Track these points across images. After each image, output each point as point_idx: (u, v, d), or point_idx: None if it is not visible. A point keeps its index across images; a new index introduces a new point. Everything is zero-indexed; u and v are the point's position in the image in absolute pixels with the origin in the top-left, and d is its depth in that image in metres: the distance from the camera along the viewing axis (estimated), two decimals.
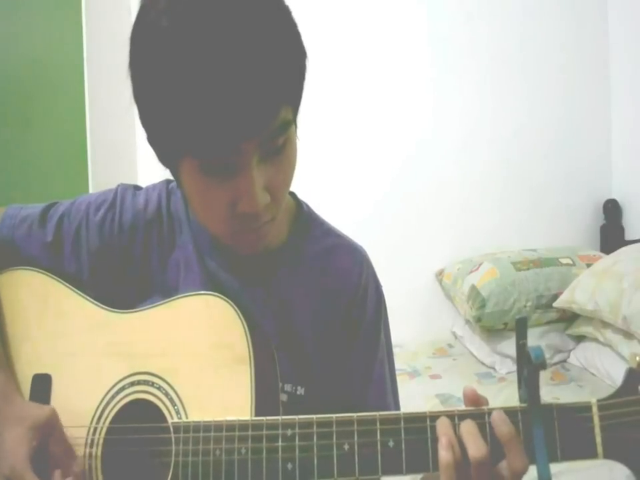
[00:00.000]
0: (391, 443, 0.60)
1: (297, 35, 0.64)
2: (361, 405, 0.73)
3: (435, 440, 0.58)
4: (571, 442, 0.57)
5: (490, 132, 2.58)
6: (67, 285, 0.79)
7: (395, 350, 0.90)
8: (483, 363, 2.21)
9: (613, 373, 1.91)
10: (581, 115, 2.63)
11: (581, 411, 0.58)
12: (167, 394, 0.69)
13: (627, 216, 2.58)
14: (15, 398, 0.71)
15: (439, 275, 2.56)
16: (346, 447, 0.60)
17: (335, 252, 0.82)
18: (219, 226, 0.70)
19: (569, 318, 2.21)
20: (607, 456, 0.56)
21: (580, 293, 2.04)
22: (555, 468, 0.56)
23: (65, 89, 2.08)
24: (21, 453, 0.64)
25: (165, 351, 0.71)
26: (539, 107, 2.59)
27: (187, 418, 0.66)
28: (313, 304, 0.80)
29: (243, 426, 0.63)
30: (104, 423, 0.71)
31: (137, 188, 0.84)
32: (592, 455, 0.57)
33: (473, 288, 2.23)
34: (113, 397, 0.72)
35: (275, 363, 0.71)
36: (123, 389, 0.71)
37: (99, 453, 0.70)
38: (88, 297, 0.78)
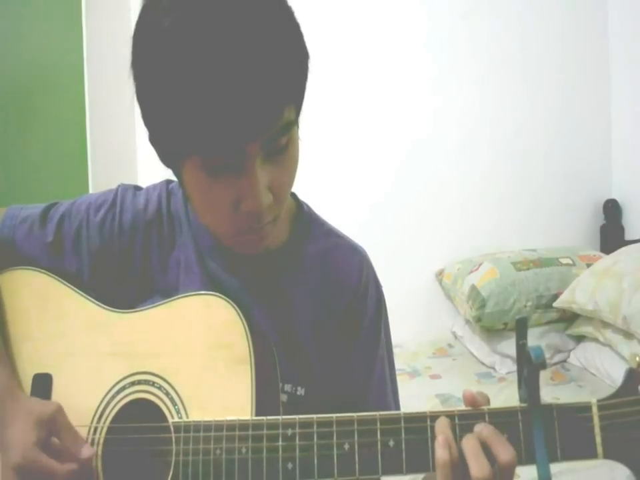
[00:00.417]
0: (391, 443, 0.60)
1: (300, 35, 0.64)
2: (361, 405, 0.73)
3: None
4: (571, 442, 0.57)
5: (490, 132, 2.58)
6: (68, 284, 0.79)
7: (395, 350, 0.90)
8: (483, 363, 2.21)
9: (613, 373, 1.91)
10: (581, 115, 2.63)
11: (580, 410, 0.58)
12: (167, 393, 0.69)
13: (626, 216, 2.58)
14: (19, 394, 0.71)
15: (439, 275, 2.56)
16: (346, 446, 0.60)
17: (335, 252, 0.83)
18: (221, 226, 0.70)
19: (569, 318, 2.21)
20: (606, 456, 0.56)
21: (580, 293, 2.04)
22: (555, 468, 0.56)
23: (65, 88, 2.08)
24: (30, 441, 0.64)
25: (165, 350, 0.71)
26: (538, 106, 2.59)
27: (187, 417, 0.67)
28: (313, 304, 0.80)
29: (244, 425, 0.63)
30: (104, 422, 0.71)
31: (137, 188, 0.84)
32: (592, 455, 0.57)
33: (473, 288, 2.23)
34: (113, 397, 0.72)
35: (275, 363, 0.71)
36: (123, 388, 0.71)
37: (100, 453, 0.70)
38: (89, 297, 0.78)
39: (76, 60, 2.04)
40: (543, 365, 0.55)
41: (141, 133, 0.67)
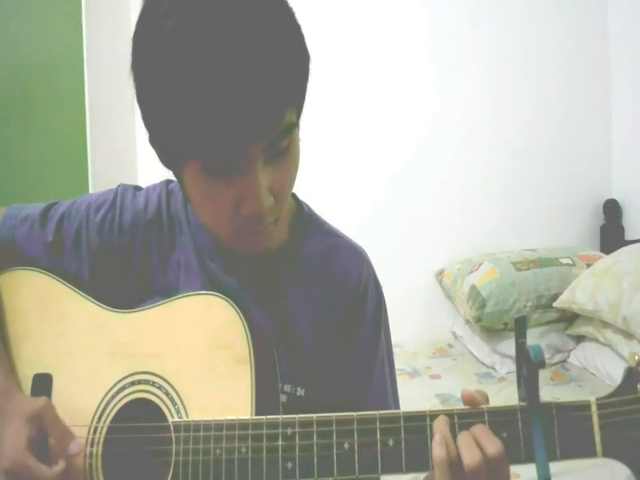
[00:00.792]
0: (390, 442, 0.60)
1: (301, 37, 0.64)
2: (360, 405, 0.73)
3: None
4: (570, 441, 0.57)
5: (490, 132, 2.58)
6: (68, 284, 0.79)
7: (395, 350, 0.90)
8: (483, 363, 2.21)
9: (612, 372, 1.91)
10: (581, 115, 2.63)
11: (580, 409, 0.58)
12: (167, 393, 0.69)
13: (626, 216, 2.58)
14: (13, 393, 0.71)
15: (439, 275, 2.56)
16: (346, 445, 0.60)
17: (335, 252, 0.83)
18: (222, 227, 0.70)
19: (569, 318, 2.21)
20: (605, 454, 0.57)
21: (580, 293, 2.05)
22: (555, 468, 0.56)
23: (65, 89, 2.08)
24: (20, 444, 0.64)
25: (165, 350, 0.71)
26: (539, 107, 2.59)
27: (187, 417, 0.67)
28: (313, 304, 0.80)
29: (243, 425, 0.63)
30: (105, 422, 0.71)
31: (137, 188, 0.84)
32: (591, 453, 0.57)
33: (473, 288, 2.23)
34: (113, 397, 0.72)
35: (275, 363, 0.71)
36: (123, 388, 0.72)
37: (100, 452, 0.70)
38: (89, 297, 0.78)
39: (76, 60, 2.04)
40: (542, 364, 0.55)
41: (141, 133, 0.68)
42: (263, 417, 0.63)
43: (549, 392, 1.84)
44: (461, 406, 0.61)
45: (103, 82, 2.08)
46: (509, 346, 2.17)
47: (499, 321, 2.19)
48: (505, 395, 1.88)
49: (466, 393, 0.61)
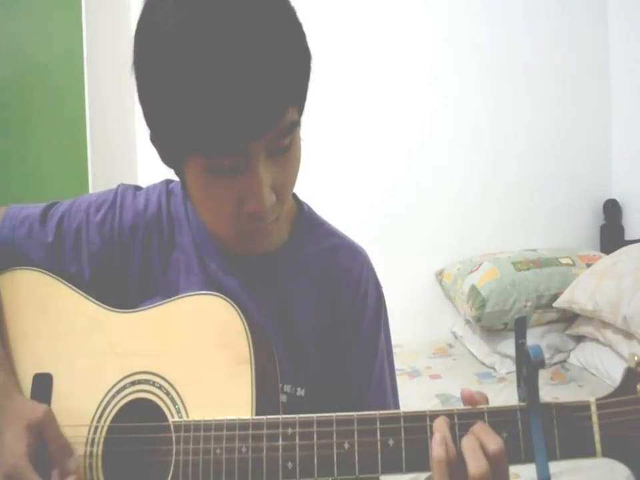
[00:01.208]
0: (390, 442, 0.60)
1: (303, 36, 0.65)
2: (360, 405, 0.73)
3: None
4: (570, 440, 0.57)
5: (490, 132, 2.58)
6: (68, 284, 0.79)
7: (395, 350, 0.90)
8: (483, 363, 2.21)
9: (612, 372, 1.91)
10: (581, 115, 2.63)
11: (579, 409, 0.58)
12: (167, 393, 0.69)
13: (626, 216, 2.58)
14: (15, 396, 0.71)
15: (439, 275, 2.56)
16: (346, 445, 0.61)
17: (335, 252, 0.83)
18: (223, 226, 0.70)
19: (568, 318, 2.21)
20: (605, 454, 0.57)
21: (580, 293, 2.04)
22: (555, 468, 0.56)
23: (65, 89, 2.07)
24: (20, 451, 0.64)
25: (165, 350, 0.71)
26: (539, 107, 2.59)
27: (187, 417, 0.67)
28: (313, 304, 0.80)
29: (244, 425, 0.63)
30: (105, 421, 0.71)
31: (137, 188, 0.84)
32: (590, 453, 0.57)
33: (473, 288, 2.23)
34: (113, 396, 0.72)
35: (275, 363, 0.71)
36: (123, 388, 0.72)
37: (100, 452, 0.70)
38: (89, 297, 0.78)
39: (76, 60, 2.04)
40: (542, 364, 0.55)
41: (141, 132, 0.68)
42: (264, 417, 0.63)
43: (548, 392, 1.84)
44: (461, 406, 0.61)
45: (103, 82, 2.08)
46: (508, 346, 2.17)
47: (499, 321, 2.19)
48: (505, 394, 1.88)
49: (465, 391, 0.61)
